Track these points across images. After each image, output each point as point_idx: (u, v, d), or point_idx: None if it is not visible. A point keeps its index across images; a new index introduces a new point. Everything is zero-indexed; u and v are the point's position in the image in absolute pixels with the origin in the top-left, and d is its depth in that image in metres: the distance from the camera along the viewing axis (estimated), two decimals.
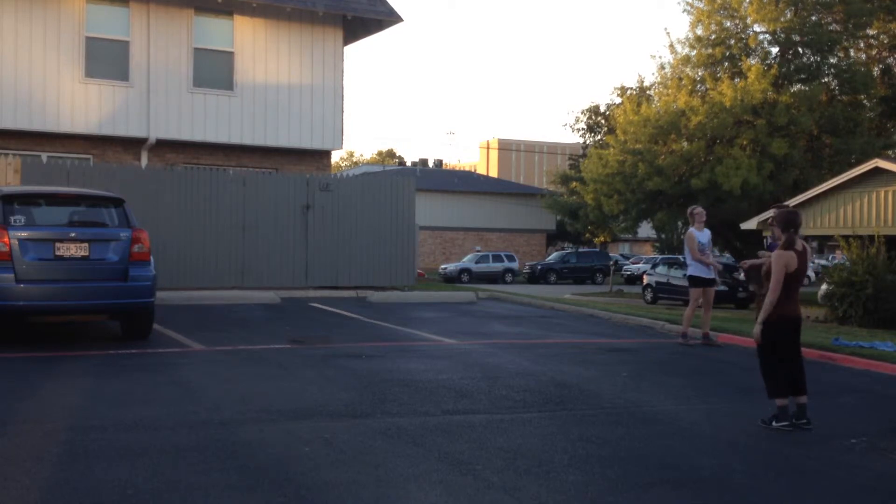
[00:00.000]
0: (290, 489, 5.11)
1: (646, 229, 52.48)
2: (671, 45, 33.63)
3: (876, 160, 22.09)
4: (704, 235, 12.19)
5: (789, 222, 7.21)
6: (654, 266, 35.53)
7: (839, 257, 28.82)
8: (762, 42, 31.92)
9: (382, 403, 7.54)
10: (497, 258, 49.45)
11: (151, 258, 10.86)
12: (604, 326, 14.61)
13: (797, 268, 7.08)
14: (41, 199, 10.94)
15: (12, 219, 10.08)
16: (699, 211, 12.35)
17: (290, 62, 20.49)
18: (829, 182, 23.52)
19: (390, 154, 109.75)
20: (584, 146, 57.20)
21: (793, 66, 31.79)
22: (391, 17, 20.88)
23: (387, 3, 21.05)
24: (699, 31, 32.15)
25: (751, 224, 25.95)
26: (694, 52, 32.52)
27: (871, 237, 19.72)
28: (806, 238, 11.51)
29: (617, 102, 48.97)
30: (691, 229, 12.22)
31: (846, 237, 20.64)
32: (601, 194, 33.49)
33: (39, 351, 10.04)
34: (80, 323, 11.80)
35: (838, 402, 8.62)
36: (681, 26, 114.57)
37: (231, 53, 20.00)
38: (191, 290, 16.28)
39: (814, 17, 31.47)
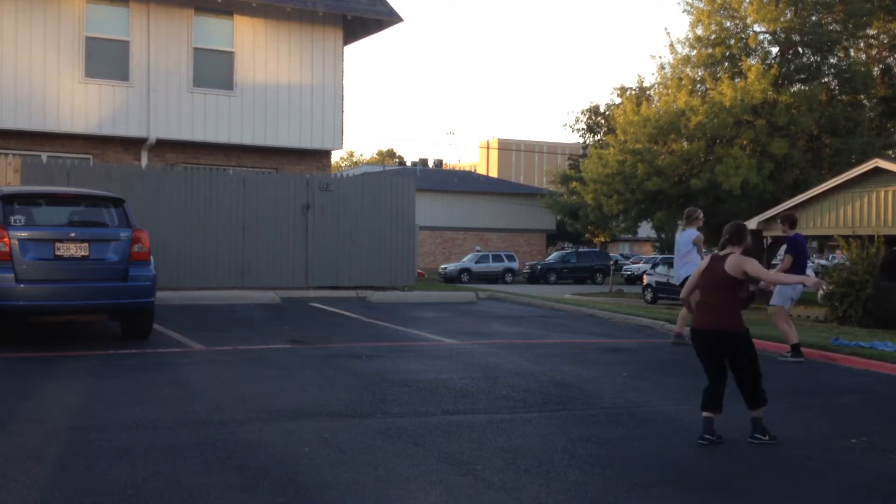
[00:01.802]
0: (290, 489, 5.11)
1: (646, 229, 52.47)
2: (671, 45, 33.63)
3: (876, 160, 22.08)
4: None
5: (728, 234, 6.78)
6: (654, 266, 35.51)
7: (839, 257, 28.81)
8: (762, 42, 31.91)
9: (382, 403, 7.54)
10: (497, 258, 49.45)
11: (151, 258, 10.87)
12: (604, 326, 14.61)
13: (703, 273, 6.71)
14: (41, 199, 10.95)
15: (12, 219, 10.08)
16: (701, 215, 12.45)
17: (290, 62, 20.49)
18: (829, 182, 23.50)
19: (390, 154, 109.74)
20: (584, 146, 57.20)
21: (793, 66, 31.78)
22: (391, 17, 20.89)
23: (387, 3, 21.05)
24: (699, 31, 32.14)
25: (751, 224, 25.89)
26: (694, 52, 32.51)
27: (871, 237, 19.72)
28: (797, 241, 11.51)
29: (617, 103, 48.95)
30: (698, 232, 12.20)
31: (846, 237, 20.65)
32: (601, 194, 33.48)
33: (39, 351, 10.04)
34: (80, 323, 11.81)
35: (838, 402, 8.62)
36: (681, 26, 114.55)
37: (231, 53, 20.01)
38: (191, 290, 16.28)
39: (814, 17, 31.45)
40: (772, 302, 11.49)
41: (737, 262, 6.57)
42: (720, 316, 6.58)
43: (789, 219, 11.63)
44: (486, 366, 9.73)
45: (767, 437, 6.57)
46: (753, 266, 6.58)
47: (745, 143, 30.13)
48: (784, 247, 11.59)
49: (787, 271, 11.21)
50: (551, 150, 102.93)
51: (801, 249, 11.25)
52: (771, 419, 7.53)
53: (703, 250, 12.34)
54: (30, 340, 10.75)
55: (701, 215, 12.35)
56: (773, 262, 29.98)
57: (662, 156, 31.05)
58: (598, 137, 55.58)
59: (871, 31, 32.73)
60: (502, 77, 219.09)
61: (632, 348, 11.84)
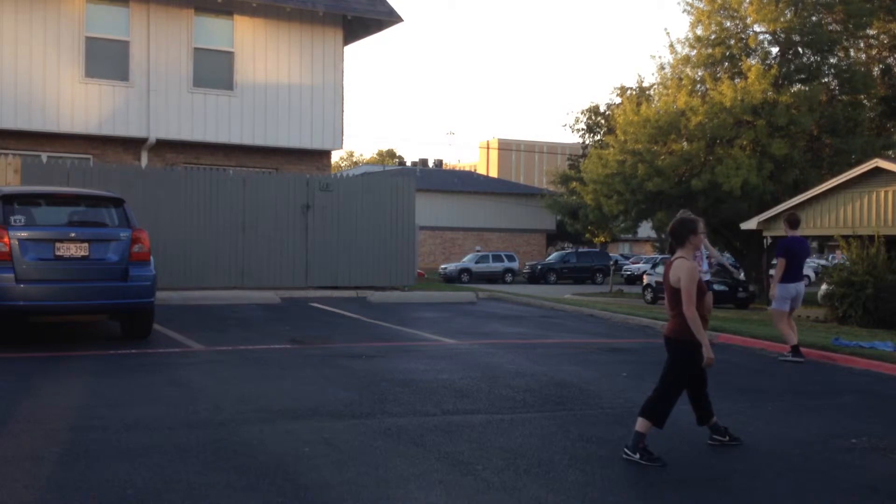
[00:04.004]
0: (290, 489, 5.11)
1: (646, 229, 52.46)
2: (671, 46, 33.58)
3: (876, 160, 22.08)
4: None
5: (669, 235, 6.38)
6: (654, 266, 35.52)
7: (839, 257, 28.80)
8: (762, 42, 31.87)
9: (382, 403, 7.54)
10: (497, 258, 49.43)
11: (151, 258, 10.87)
12: (604, 326, 14.60)
13: (663, 282, 6.28)
14: (41, 199, 10.95)
15: (12, 219, 10.08)
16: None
17: (290, 62, 20.49)
18: (829, 182, 23.50)
19: (390, 154, 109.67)
20: (584, 146, 57.15)
21: (793, 66, 31.74)
22: (391, 17, 20.89)
23: (387, 3, 21.05)
24: (699, 32, 32.10)
25: (751, 224, 25.93)
26: (694, 53, 32.46)
27: (871, 237, 19.71)
28: (786, 245, 11.48)
29: (617, 103, 48.93)
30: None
31: (846, 237, 20.64)
32: (601, 195, 33.45)
33: (39, 351, 10.04)
34: (80, 323, 11.80)
35: (838, 402, 8.62)
36: (681, 26, 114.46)
37: (231, 53, 20.01)
38: (191, 290, 16.28)
39: (814, 18, 31.41)
40: (772, 306, 11.46)
41: (677, 270, 6.06)
42: (671, 322, 6.21)
43: (790, 219, 11.60)
44: (486, 366, 9.73)
45: (638, 457, 5.89)
46: (684, 283, 5.97)
47: (745, 143, 30.10)
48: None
49: (784, 273, 11.21)
50: (551, 150, 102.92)
51: (792, 253, 11.21)
52: (772, 419, 7.54)
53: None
54: (30, 340, 10.75)
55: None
56: (774, 262, 29.94)
57: (662, 156, 31.01)
58: (597, 137, 55.52)
59: (871, 31, 32.69)
60: (502, 77, 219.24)
61: (632, 348, 11.84)
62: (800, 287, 11.32)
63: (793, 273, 11.22)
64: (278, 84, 20.34)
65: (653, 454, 5.90)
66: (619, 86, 62.93)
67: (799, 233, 11.50)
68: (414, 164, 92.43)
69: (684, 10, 33.05)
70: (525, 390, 8.32)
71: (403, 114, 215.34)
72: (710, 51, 31.70)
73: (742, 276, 30.97)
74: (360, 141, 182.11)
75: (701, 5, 32.16)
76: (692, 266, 6.06)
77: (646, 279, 33.23)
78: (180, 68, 19.39)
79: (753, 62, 30.71)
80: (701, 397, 6.46)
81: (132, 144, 19.36)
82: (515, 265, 49.74)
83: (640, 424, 6.02)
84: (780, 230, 12.25)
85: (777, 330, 11.52)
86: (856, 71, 30.74)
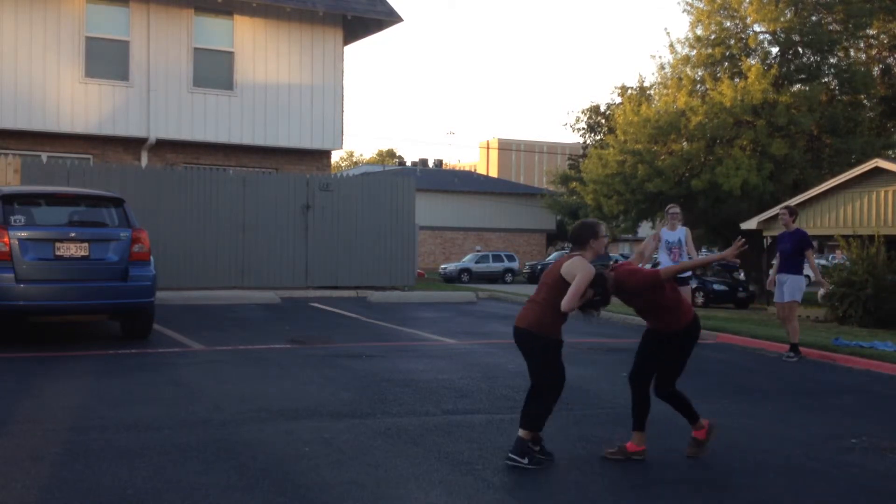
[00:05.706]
0: (290, 489, 5.11)
1: (646, 229, 52.44)
2: (671, 45, 33.58)
3: (876, 160, 22.08)
4: (674, 235, 12.08)
5: (570, 235, 6.21)
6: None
7: (839, 257, 28.79)
8: (762, 42, 31.88)
9: (382, 403, 7.54)
10: (497, 258, 49.44)
11: (151, 258, 10.87)
12: (604, 326, 14.60)
13: (546, 270, 6.18)
14: (41, 199, 10.95)
15: (12, 219, 10.08)
16: (674, 212, 12.24)
17: (290, 62, 20.49)
18: (829, 182, 23.50)
19: (390, 154, 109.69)
20: (584, 146, 57.16)
21: (793, 66, 31.75)
22: (391, 17, 20.89)
23: (387, 3, 21.06)
24: (699, 31, 32.10)
25: (751, 224, 25.92)
26: (694, 52, 32.47)
27: (871, 237, 19.71)
28: (807, 236, 11.46)
29: (617, 102, 48.92)
30: (663, 229, 12.13)
31: (846, 237, 20.64)
32: (601, 195, 33.46)
33: (39, 351, 10.04)
34: (80, 323, 11.80)
35: (838, 402, 8.63)
36: (681, 26, 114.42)
37: (231, 53, 20.01)
38: (191, 290, 16.29)
39: (814, 18, 31.43)
40: (791, 297, 11.19)
41: (573, 266, 5.86)
42: (529, 312, 6.11)
43: (794, 210, 11.56)
44: (486, 366, 9.74)
45: (527, 461, 5.70)
46: (579, 279, 5.77)
47: (745, 143, 30.10)
48: (790, 245, 11.29)
49: (797, 265, 11.13)
50: (551, 150, 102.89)
51: (809, 244, 11.19)
52: (772, 419, 7.54)
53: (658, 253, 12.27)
54: (30, 340, 10.75)
55: (672, 211, 12.23)
56: (774, 261, 29.90)
57: (662, 156, 31.02)
58: (598, 137, 55.51)
59: (871, 32, 32.70)
60: (502, 77, 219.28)
61: (632, 348, 11.73)
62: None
63: (800, 266, 11.24)
64: (278, 84, 20.34)
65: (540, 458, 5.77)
66: (619, 85, 62.92)
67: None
68: (414, 164, 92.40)
69: (684, 10, 33.07)
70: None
71: (403, 114, 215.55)
72: (710, 51, 31.70)
73: (742, 275, 30.97)
74: (360, 141, 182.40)
75: (701, 5, 32.16)
76: (592, 269, 5.85)
77: None
78: (180, 68, 19.39)
79: (753, 62, 30.71)
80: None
81: (132, 144, 19.37)
82: (515, 265, 49.74)
83: (523, 432, 5.85)
84: (781, 229, 12.09)
85: (789, 323, 11.26)
86: (856, 71, 30.74)
